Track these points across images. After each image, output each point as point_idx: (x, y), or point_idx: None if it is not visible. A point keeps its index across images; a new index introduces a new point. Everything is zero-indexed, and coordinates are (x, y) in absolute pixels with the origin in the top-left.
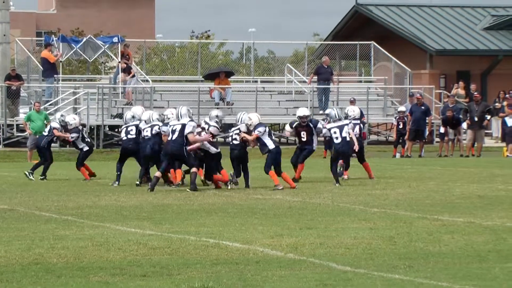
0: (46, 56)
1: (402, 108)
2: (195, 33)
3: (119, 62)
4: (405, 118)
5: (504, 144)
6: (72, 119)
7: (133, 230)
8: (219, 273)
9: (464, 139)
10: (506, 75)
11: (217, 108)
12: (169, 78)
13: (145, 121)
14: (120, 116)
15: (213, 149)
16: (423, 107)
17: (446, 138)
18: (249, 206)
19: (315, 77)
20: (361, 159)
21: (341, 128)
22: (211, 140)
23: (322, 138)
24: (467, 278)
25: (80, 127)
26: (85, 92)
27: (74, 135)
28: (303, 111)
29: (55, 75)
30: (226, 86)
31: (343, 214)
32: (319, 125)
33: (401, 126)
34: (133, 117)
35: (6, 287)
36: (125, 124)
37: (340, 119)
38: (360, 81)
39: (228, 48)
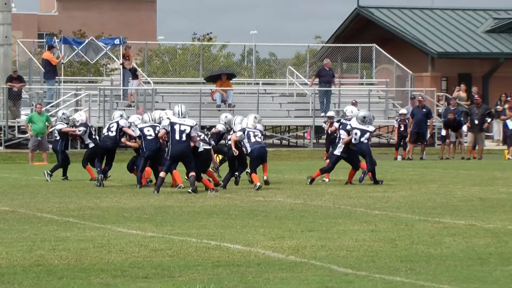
0: (47, 57)
1: (403, 111)
2: (197, 35)
3: (120, 64)
4: (407, 121)
5: (505, 147)
6: (79, 116)
7: (134, 232)
8: (220, 275)
9: (466, 142)
10: (508, 78)
11: (219, 110)
12: (170, 80)
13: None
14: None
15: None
16: (424, 110)
17: (447, 140)
18: (250, 208)
19: (317, 80)
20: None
21: (363, 132)
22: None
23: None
24: (469, 281)
25: (88, 123)
26: (87, 94)
27: (82, 129)
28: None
29: (56, 77)
30: (228, 88)
31: (344, 217)
32: (348, 127)
33: (402, 129)
34: (121, 116)
35: None
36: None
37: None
38: (362, 84)
39: (229, 50)
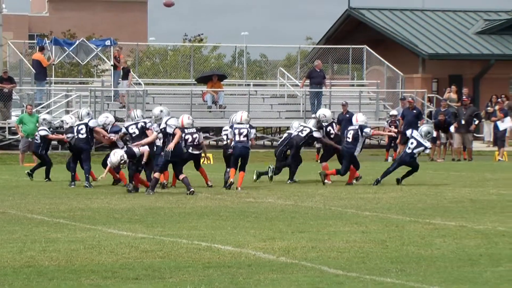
0: (38, 58)
1: (394, 112)
2: (188, 37)
3: (111, 65)
4: (397, 122)
5: (496, 148)
6: (69, 118)
7: (125, 233)
8: (211, 276)
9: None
10: (498, 79)
11: (210, 111)
12: (161, 81)
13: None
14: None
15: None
16: (415, 111)
17: (438, 142)
18: (241, 209)
19: (308, 81)
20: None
21: (419, 145)
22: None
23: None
24: (459, 282)
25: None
26: (78, 95)
27: (70, 135)
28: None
29: (46, 79)
30: (219, 89)
31: (335, 218)
32: (367, 129)
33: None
34: (88, 114)
35: None
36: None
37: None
38: (353, 85)
39: (220, 51)
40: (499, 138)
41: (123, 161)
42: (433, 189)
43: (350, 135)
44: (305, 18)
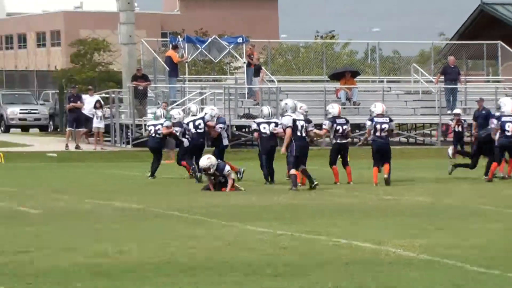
0: (171, 55)
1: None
2: (319, 33)
3: (244, 62)
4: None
5: None
6: (177, 114)
7: (262, 230)
8: (351, 273)
9: None
10: None
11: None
12: (294, 78)
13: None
14: (247, 116)
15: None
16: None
17: None
18: (378, 207)
19: (442, 77)
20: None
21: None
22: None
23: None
24: None
25: (184, 123)
26: (212, 92)
27: (178, 129)
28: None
29: (177, 76)
30: (352, 86)
31: (475, 215)
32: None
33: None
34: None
35: (140, 286)
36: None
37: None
38: (488, 81)
39: (351, 48)
40: None
41: (209, 170)
42: None
43: (509, 127)
44: (437, 14)
